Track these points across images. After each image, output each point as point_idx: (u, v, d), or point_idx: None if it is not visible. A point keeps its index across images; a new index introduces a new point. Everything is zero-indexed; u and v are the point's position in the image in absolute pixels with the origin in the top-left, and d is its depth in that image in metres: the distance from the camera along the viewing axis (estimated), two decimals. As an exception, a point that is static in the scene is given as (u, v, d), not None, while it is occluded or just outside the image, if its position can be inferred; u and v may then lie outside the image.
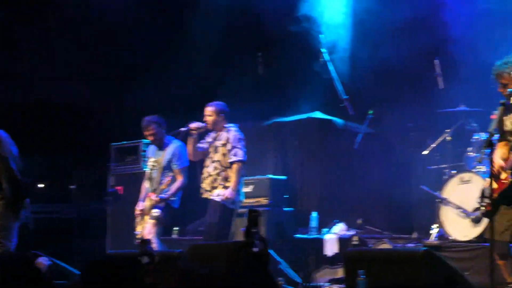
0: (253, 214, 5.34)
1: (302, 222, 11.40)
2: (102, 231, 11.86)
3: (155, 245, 9.71)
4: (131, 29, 12.83)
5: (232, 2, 12.39)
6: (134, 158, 11.80)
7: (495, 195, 7.21)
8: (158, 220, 9.85)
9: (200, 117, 9.68)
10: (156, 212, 9.79)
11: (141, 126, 10.14)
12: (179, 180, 9.86)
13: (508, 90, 6.90)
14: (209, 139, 9.66)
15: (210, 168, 9.44)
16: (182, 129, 9.53)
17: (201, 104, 9.76)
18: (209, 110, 9.54)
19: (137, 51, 13.02)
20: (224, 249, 6.26)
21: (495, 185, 7.26)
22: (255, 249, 5.25)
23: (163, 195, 9.73)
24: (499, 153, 7.37)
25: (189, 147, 9.55)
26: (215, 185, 9.38)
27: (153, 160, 10.11)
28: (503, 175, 7.15)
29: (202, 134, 9.73)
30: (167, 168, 9.97)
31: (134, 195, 11.15)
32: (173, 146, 9.90)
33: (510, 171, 7.10)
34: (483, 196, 7.38)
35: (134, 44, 12.99)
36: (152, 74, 12.63)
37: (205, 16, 12.61)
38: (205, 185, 9.48)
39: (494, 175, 7.30)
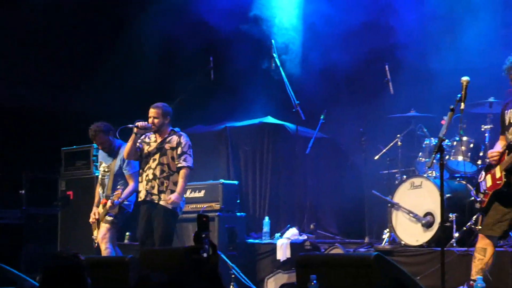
0: (202, 219, 5.30)
1: (254, 227, 11.40)
2: (53, 236, 11.73)
3: (108, 250, 9.64)
4: (80, 32, 12.73)
5: (183, 6, 12.38)
6: (84, 162, 11.69)
7: (490, 192, 7.28)
8: (112, 224, 9.78)
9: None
10: (109, 217, 9.74)
11: (89, 136, 10.10)
12: (131, 184, 9.82)
13: None
14: (147, 139, 9.41)
15: (156, 171, 9.23)
16: (130, 125, 9.34)
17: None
18: (155, 111, 9.34)
19: (86, 53, 12.90)
20: (176, 254, 6.21)
21: (489, 182, 7.32)
22: (204, 255, 5.20)
23: (116, 201, 9.64)
24: (500, 145, 7.45)
25: (131, 145, 9.24)
26: (163, 189, 9.21)
27: (105, 166, 10.05)
28: (498, 174, 7.20)
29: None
30: (119, 174, 9.91)
31: (84, 200, 11.09)
32: (123, 151, 9.82)
33: (503, 171, 7.15)
34: (478, 191, 7.46)
35: (83, 46, 12.86)
36: (102, 77, 12.52)
37: (153, 19, 12.57)
38: (150, 187, 9.19)
39: (489, 166, 7.37)
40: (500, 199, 7.26)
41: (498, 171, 7.23)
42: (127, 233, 11.58)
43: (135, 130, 9.19)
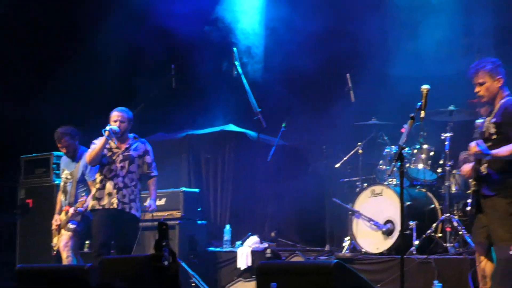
0: (163, 227, 5.28)
1: (215, 235, 11.37)
2: (12, 244, 11.61)
3: (70, 259, 9.54)
4: (40, 38, 12.63)
5: (145, 13, 12.34)
6: (44, 170, 11.58)
7: None
8: (75, 232, 9.68)
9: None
10: (72, 224, 9.63)
11: (55, 138, 9.98)
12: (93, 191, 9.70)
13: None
14: (107, 145, 9.12)
15: (127, 180, 9.08)
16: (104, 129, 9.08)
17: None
18: (121, 115, 9.15)
19: (45, 60, 12.78)
20: (136, 262, 6.18)
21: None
22: (164, 262, 5.18)
23: (80, 208, 9.54)
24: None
25: (99, 150, 8.96)
26: (133, 197, 9.08)
27: (67, 172, 9.95)
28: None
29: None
30: (81, 180, 9.82)
31: (44, 208, 10.99)
32: (85, 158, 9.74)
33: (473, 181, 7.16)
34: None
35: (43, 53, 12.75)
36: (62, 84, 12.42)
37: (115, 25, 12.51)
38: (121, 196, 9.00)
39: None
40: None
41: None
42: (87, 242, 11.48)
43: (106, 133, 8.94)
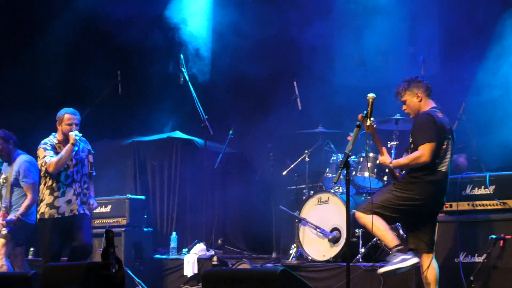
0: (110, 235, 5.22)
1: (161, 242, 11.33)
2: None
3: (5, 267, 9.36)
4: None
5: (89, 17, 12.26)
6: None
7: None
8: (7, 239, 9.50)
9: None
10: (5, 230, 9.46)
11: None
12: (29, 197, 9.52)
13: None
14: (58, 149, 8.86)
15: (82, 183, 8.86)
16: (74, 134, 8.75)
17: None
18: (78, 118, 8.90)
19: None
20: (80, 270, 6.10)
21: None
22: (112, 270, 5.13)
23: (11, 217, 9.38)
24: None
25: (67, 158, 8.66)
26: (85, 199, 8.91)
27: (3, 176, 9.80)
28: None
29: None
30: (15, 184, 9.65)
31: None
32: (18, 162, 9.58)
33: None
34: None
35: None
36: (4, 88, 12.28)
37: (60, 30, 12.42)
38: (81, 202, 8.80)
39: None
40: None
41: None
42: (31, 249, 11.36)
43: (73, 140, 8.69)
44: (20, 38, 12.55)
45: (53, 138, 8.92)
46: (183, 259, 10.24)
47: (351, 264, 7.04)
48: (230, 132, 10.93)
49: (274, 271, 5.69)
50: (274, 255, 10.31)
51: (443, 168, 7.29)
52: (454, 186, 8.22)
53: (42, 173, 8.85)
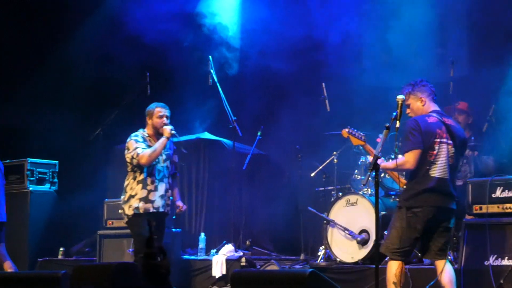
0: (152, 223, 5.21)
1: (190, 243, 11.34)
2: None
3: None
4: (13, 45, 12.56)
5: (118, 19, 12.31)
6: (18, 177, 11.51)
7: None
8: None
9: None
10: None
11: None
12: None
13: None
14: (149, 143, 8.70)
15: (170, 179, 8.84)
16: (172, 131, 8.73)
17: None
18: (168, 111, 8.85)
19: (19, 66, 12.70)
20: (108, 270, 6.14)
21: None
22: (157, 259, 5.10)
23: None
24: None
25: (160, 151, 8.55)
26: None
27: None
28: None
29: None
30: None
31: (17, 214, 10.92)
32: None
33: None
34: None
35: (15, 59, 12.67)
36: (35, 91, 12.38)
37: (89, 32, 12.49)
38: (168, 199, 8.75)
39: None
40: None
41: None
42: (61, 249, 11.44)
43: (168, 134, 8.65)
44: (50, 39, 12.64)
45: (143, 132, 8.78)
46: (211, 260, 10.25)
47: (380, 266, 7.01)
48: (259, 133, 10.93)
49: (303, 272, 5.68)
50: (302, 256, 10.30)
51: (436, 173, 7.22)
52: (484, 189, 8.18)
53: (130, 168, 8.68)
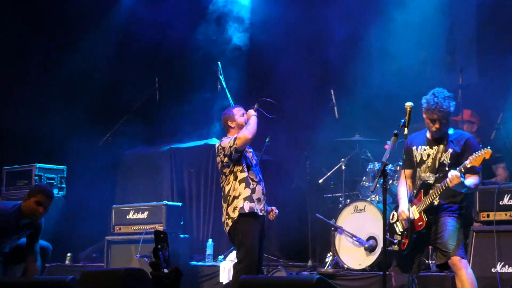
0: (160, 236, 5.22)
1: (197, 249, 11.35)
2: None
3: None
4: (25, 50, 12.60)
5: (127, 25, 12.35)
6: (26, 182, 11.53)
7: (408, 233, 7.31)
8: None
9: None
10: None
11: None
12: None
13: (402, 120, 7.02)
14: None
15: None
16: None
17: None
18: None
19: (29, 70, 12.74)
20: (116, 276, 6.16)
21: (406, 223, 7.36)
22: (162, 270, 5.12)
23: None
24: (405, 181, 7.51)
25: (255, 124, 8.21)
26: None
27: None
28: (416, 215, 7.24)
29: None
30: None
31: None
32: None
33: (423, 212, 7.22)
34: (393, 232, 7.47)
35: (27, 63, 12.71)
36: (45, 96, 12.40)
37: (97, 37, 12.52)
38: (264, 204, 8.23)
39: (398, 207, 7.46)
40: (417, 239, 7.33)
41: (416, 212, 7.28)
42: (69, 254, 11.46)
43: (253, 112, 8.22)
44: (59, 44, 12.67)
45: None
46: (219, 266, 10.26)
47: (387, 273, 7.01)
48: (267, 139, 10.91)
49: (310, 279, 5.69)
50: (310, 263, 10.30)
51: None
52: (492, 196, 8.17)
53: (227, 170, 8.13)
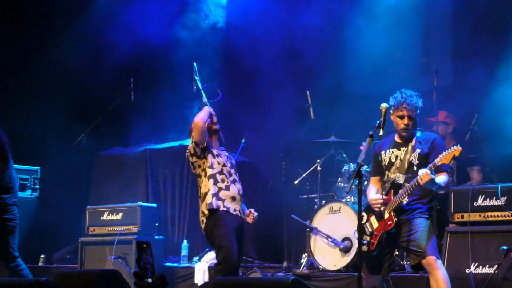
0: (142, 246, 5.20)
1: (172, 250, 11.31)
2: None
3: None
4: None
5: (102, 24, 12.30)
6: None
7: (378, 234, 7.29)
8: None
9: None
10: None
11: None
12: None
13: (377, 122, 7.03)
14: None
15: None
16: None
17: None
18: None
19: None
20: (90, 277, 6.13)
21: (376, 223, 7.34)
22: (147, 281, 5.11)
23: None
24: (375, 187, 7.51)
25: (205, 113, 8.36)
26: None
27: None
28: (386, 215, 7.22)
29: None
30: None
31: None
32: None
33: (392, 212, 7.21)
34: (362, 233, 7.43)
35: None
36: (17, 96, 12.32)
37: (73, 36, 12.46)
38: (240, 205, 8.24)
39: (369, 207, 7.42)
40: (387, 240, 7.32)
41: (386, 212, 7.27)
42: (42, 256, 11.38)
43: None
44: (34, 43, 12.57)
45: None
46: (194, 268, 10.25)
47: (362, 274, 7.02)
48: (243, 140, 10.91)
49: (285, 280, 5.68)
50: (285, 264, 10.30)
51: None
52: (466, 197, 8.21)
53: (199, 170, 8.12)
